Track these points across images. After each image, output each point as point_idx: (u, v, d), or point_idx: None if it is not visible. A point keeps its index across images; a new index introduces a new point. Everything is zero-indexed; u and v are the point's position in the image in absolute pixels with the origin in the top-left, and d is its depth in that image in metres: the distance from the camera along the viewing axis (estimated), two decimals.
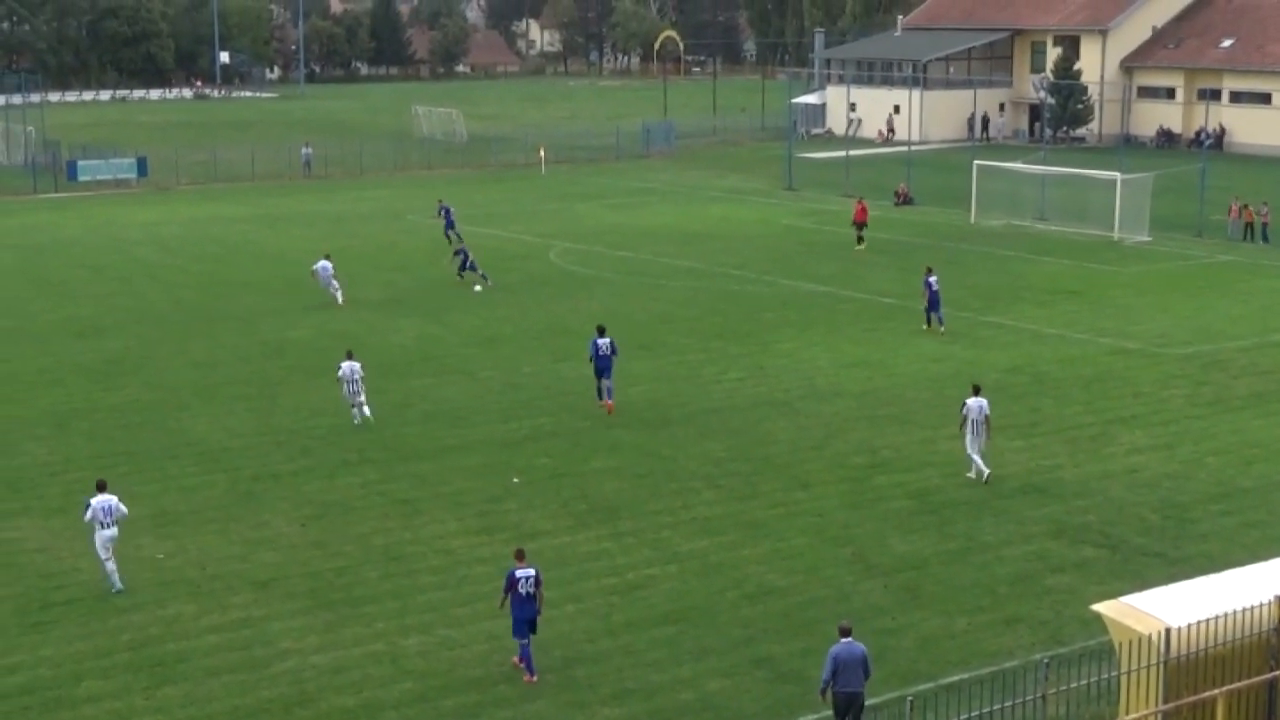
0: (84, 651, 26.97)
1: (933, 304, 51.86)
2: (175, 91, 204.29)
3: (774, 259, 67.66)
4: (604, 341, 42.26)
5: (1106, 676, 22.79)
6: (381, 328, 53.54)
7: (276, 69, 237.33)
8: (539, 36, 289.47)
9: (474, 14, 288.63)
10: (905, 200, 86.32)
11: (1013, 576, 30.15)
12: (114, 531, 29.62)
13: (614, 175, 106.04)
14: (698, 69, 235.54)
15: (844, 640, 22.81)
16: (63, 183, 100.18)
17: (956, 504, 34.41)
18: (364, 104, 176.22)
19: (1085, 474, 36.58)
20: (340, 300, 57.51)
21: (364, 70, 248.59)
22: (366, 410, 41.16)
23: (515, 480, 36.27)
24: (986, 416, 35.69)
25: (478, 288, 59.75)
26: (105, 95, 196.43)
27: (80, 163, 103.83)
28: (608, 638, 27.41)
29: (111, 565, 29.66)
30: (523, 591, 25.68)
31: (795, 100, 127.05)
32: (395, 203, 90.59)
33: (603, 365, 42.26)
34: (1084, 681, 22.79)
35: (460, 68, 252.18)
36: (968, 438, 35.89)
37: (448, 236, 71.32)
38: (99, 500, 29.74)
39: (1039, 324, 53.43)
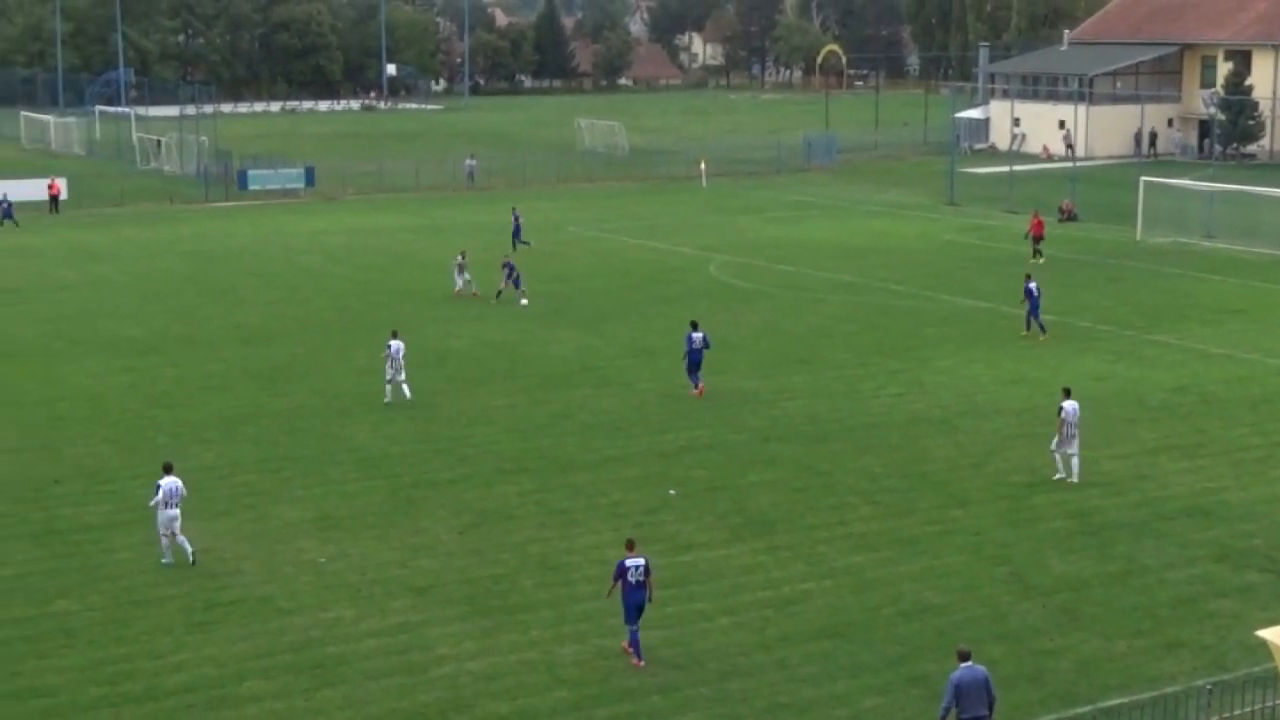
0: (246, 652, 27.48)
1: (1033, 309, 52.63)
2: (343, 103, 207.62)
3: (934, 274, 67.15)
4: (698, 336, 45.33)
5: (1271, 704, 22.33)
6: (541, 338, 53.94)
7: (442, 81, 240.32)
8: (701, 49, 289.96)
9: (637, 27, 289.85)
10: (1069, 217, 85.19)
11: (1175, 600, 29.63)
12: (176, 513, 31.37)
13: (774, 188, 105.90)
14: (860, 82, 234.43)
15: (964, 665, 22.45)
16: (233, 192, 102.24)
17: (1118, 525, 33.90)
18: (527, 116, 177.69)
19: (1251, 497, 35.85)
20: (469, 290, 61.95)
21: (528, 83, 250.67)
22: (406, 390, 44.29)
23: (671, 492, 36.34)
24: (1078, 419, 36.65)
25: (524, 301, 59.82)
26: (275, 107, 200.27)
27: (250, 172, 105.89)
28: (762, 651, 27.36)
29: (166, 542, 31.50)
30: (632, 580, 26.54)
31: (958, 115, 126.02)
32: (556, 214, 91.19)
33: (695, 359, 45.39)
34: (1248, 709, 22.36)
35: (623, 80, 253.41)
36: (1058, 440, 36.62)
37: (514, 244, 73.58)
38: (167, 482, 31.42)
39: (1205, 343, 52.47)
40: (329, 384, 47.46)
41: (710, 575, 30.96)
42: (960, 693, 22.20)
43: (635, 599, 26.60)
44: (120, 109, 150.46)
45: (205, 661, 27.07)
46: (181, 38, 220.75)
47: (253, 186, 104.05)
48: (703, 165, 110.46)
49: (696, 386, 45.48)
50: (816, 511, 34.97)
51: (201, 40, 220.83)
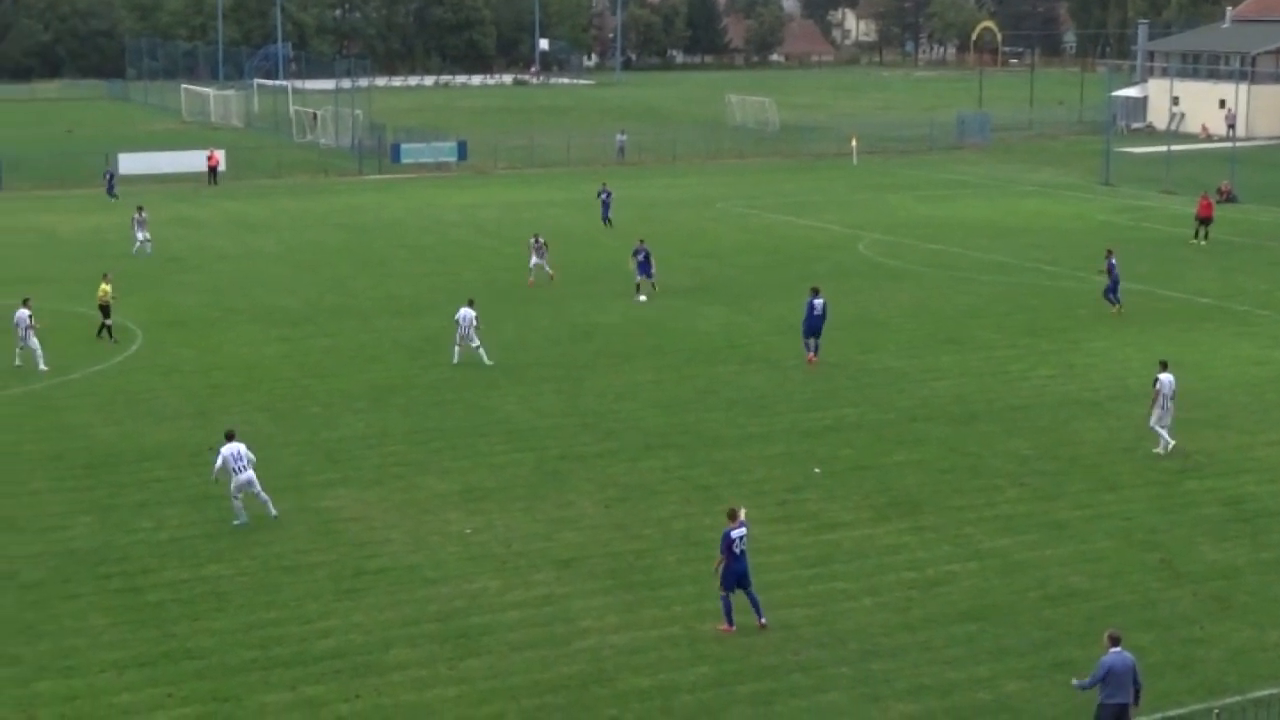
0: (393, 620, 27.84)
1: (1112, 285, 53.09)
2: (496, 78, 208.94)
3: (1088, 255, 66.11)
4: (819, 302, 45.87)
5: None
6: (688, 313, 53.96)
7: (594, 56, 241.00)
8: (854, 26, 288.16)
9: (790, 3, 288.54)
10: (1228, 198, 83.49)
11: None
12: (250, 474, 32.03)
13: (926, 167, 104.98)
14: (1015, 60, 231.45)
15: (1115, 650, 22.19)
16: (387, 165, 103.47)
17: (1273, 513, 33.23)
18: (678, 92, 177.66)
19: None
20: (544, 275, 59.73)
21: (679, 58, 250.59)
22: (484, 354, 45.97)
23: (816, 470, 36.23)
24: (1174, 392, 36.92)
25: (641, 298, 56.29)
26: (429, 81, 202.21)
27: (404, 146, 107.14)
28: (905, 632, 27.21)
29: (239, 505, 32.14)
30: (737, 550, 26.98)
31: (1115, 93, 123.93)
32: (706, 190, 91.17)
33: (815, 325, 46.08)
34: None
35: (775, 57, 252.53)
36: (1156, 413, 36.88)
37: (606, 221, 73.73)
38: (228, 448, 32.14)
39: None
40: (478, 356, 47.82)
41: (854, 554, 30.83)
42: (1109, 677, 21.98)
43: (740, 568, 27.06)
44: (278, 82, 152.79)
45: (352, 628, 27.47)
46: (338, 12, 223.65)
47: (405, 160, 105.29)
48: (854, 142, 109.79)
49: (813, 353, 46.20)
50: (963, 493, 34.67)
51: (358, 14, 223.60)
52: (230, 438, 32.61)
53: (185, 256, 67.56)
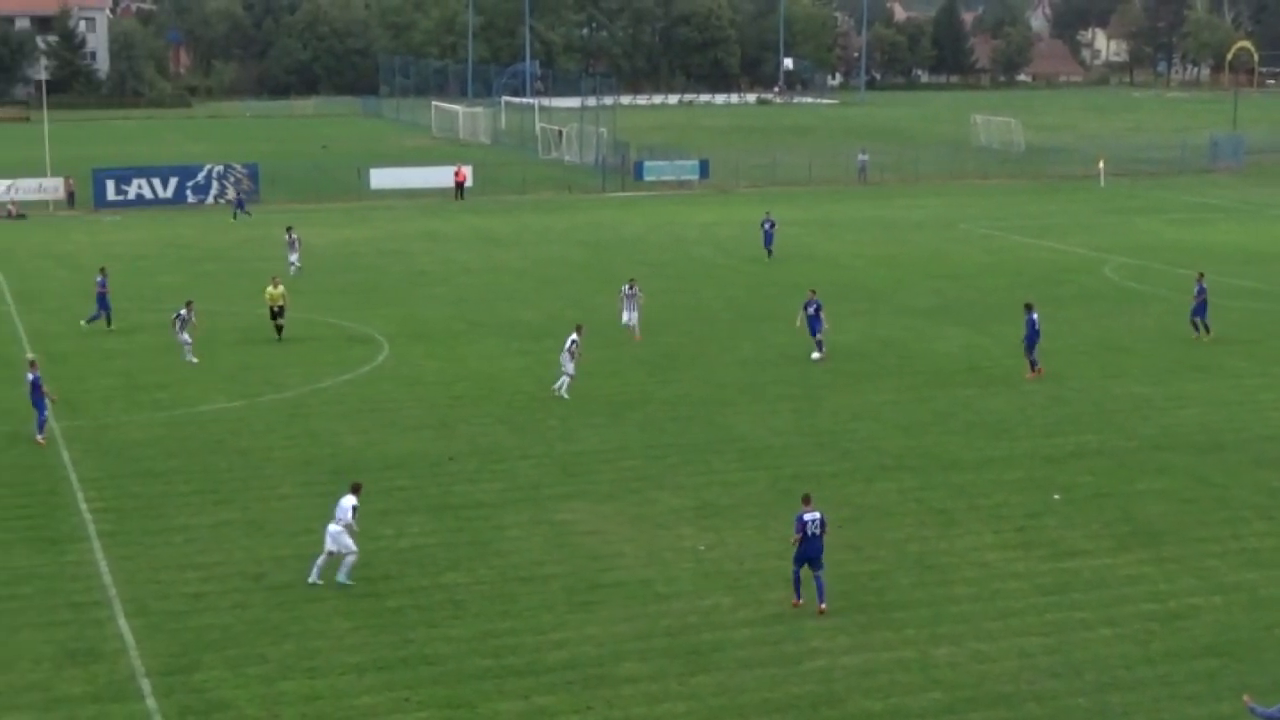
0: (625, 633, 28.06)
1: (1199, 309, 52.43)
2: (739, 96, 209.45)
3: None
4: (1036, 317, 46.74)
5: None
6: (928, 334, 53.48)
7: (838, 75, 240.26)
8: (1105, 46, 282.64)
9: (1039, 22, 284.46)
10: None
11: None
12: (337, 529, 30.21)
13: (1176, 189, 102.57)
14: (1272, 81, 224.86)
15: None
16: (629, 182, 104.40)
17: None
18: (922, 112, 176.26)
19: None
20: (631, 327, 53.41)
21: (924, 78, 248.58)
22: (569, 383, 44.78)
23: (1056, 497, 35.63)
24: None
25: (816, 355, 49.96)
26: (673, 99, 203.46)
27: (646, 163, 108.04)
28: (1145, 665, 26.61)
29: (324, 560, 30.34)
30: (810, 533, 28.69)
31: None
32: (948, 211, 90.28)
33: (1036, 338, 46.84)
34: None
35: (1021, 77, 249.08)
36: None
37: (768, 250, 71.16)
38: (343, 500, 30.50)
39: None
40: (714, 373, 48.02)
41: (1093, 584, 30.25)
42: None
43: (810, 551, 28.76)
44: (525, 100, 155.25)
45: (585, 640, 27.76)
46: (585, 31, 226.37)
47: (648, 177, 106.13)
48: (1101, 164, 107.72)
49: (1034, 369, 46.84)
50: (1207, 524, 33.79)
51: (604, 33, 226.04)
52: (354, 490, 30.93)
53: (431, 270, 68.95)
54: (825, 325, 49.94)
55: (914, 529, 33.61)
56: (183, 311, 49.28)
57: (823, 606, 28.72)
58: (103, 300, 54.49)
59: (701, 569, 31.07)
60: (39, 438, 40.19)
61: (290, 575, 30.87)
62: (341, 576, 30.28)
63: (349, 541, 30.27)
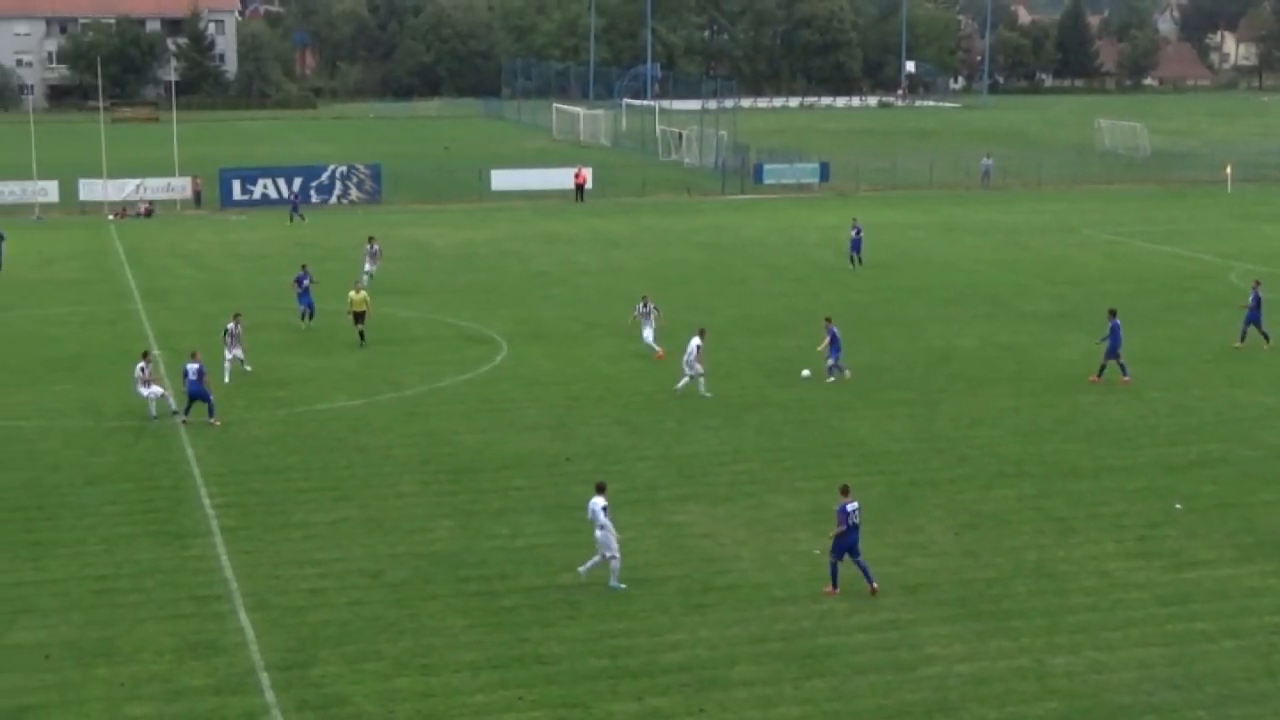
0: (739, 636, 28.04)
1: (1252, 316, 51.17)
2: (860, 99, 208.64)
3: None
4: (1119, 323, 46.53)
5: None
6: (1049, 341, 52.96)
7: (961, 79, 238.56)
8: (1233, 49, 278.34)
9: (1166, 25, 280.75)
10: None
11: None
12: (601, 534, 30.10)
13: None
14: None
15: None
16: (749, 185, 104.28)
17: None
18: (1046, 116, 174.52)
19: None
20: (651, 348, 51.08)
21: (1048, 81, 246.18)
22: (689, 384, 44.92)
23: (1178, 506, 35.15)
24: None
25: (806, 372, 47.89)
26: (794, 102, 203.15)
27: (766, 166, 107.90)
28: (1267, 679, 26.19)
29: (595, 560, 30.35)
30: (854, 521, 29.53)
31: None
32: (1071, 216, 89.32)
33: (1118, 343, 46.45)
34: None
35: (1148, 80, 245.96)
36: None
37: (851, 258, 69.30)
38: (592, 501, 30.36)
39: None
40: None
41: (1215, 595, 29.82)
42: None
43: (853, 538, 29.59)
44: (645, 102, 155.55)
45: (699, 643, 27.77)
46: (707, 33, 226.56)
47: (768, 180, 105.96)
48: (1228, 169, 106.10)
49: (1125, 375, 46.77)
50: None
51: (726, 36, 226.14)
52: (599, 490, 30.73)
53: (550, 271, 69.28)
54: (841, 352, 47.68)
55: (1032, 537, 33.30)
56: (230, 325, 47.92)
57: (875, 586, 29.69)
58: (304, 296, 54.79)
59: (817, 573, 30.96)
60: (214, 420, 41.54)
61: (407, 572, 31.16)
62: (612, 581, 30.24)
63: (612, 543, 30.18)
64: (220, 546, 32.79)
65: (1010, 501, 35.70)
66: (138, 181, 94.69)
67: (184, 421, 41.78)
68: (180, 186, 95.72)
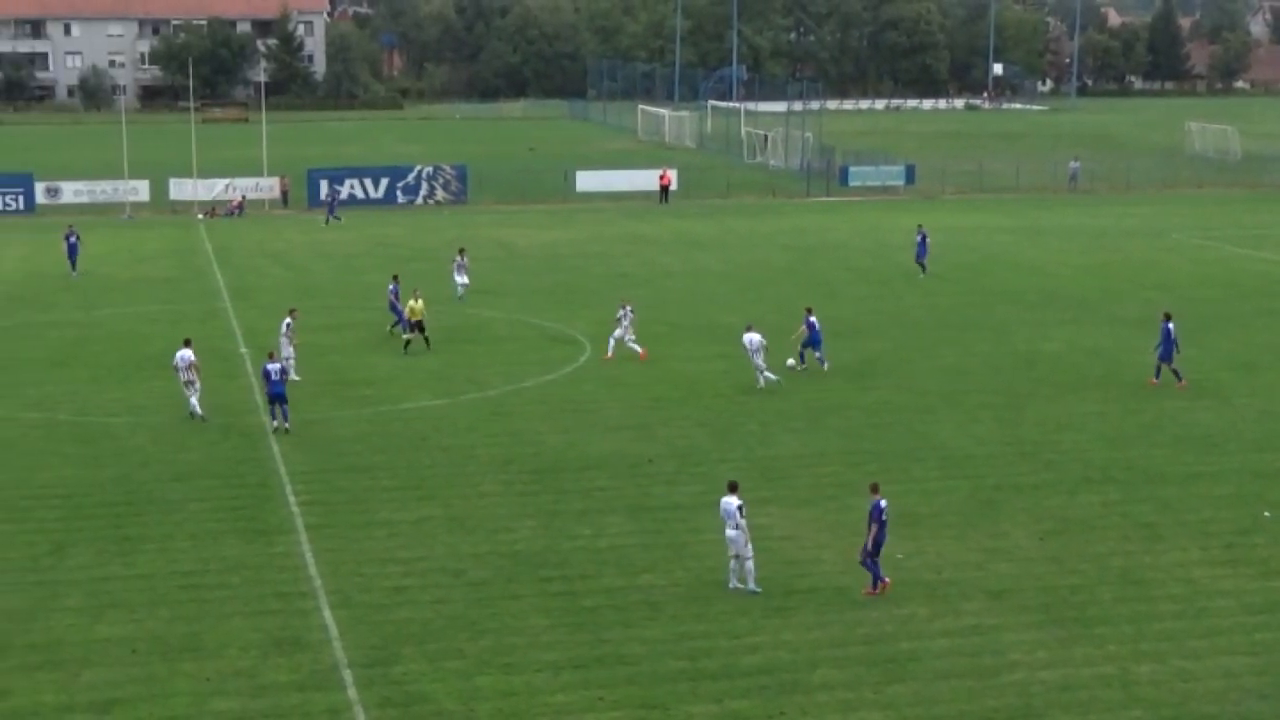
0: (820, 640, 27.96)
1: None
2: (947, 102, 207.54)
3: None
4: (1173, 326, 46.32)
5: None
6: (1136, 345, 52.42)
7: (1049, 81, 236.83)
8: None
9: (1259, 28, 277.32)
10: None
11: None
12: (735, 533, 29.88)
13: None
14: None
15: None
16: (834, 187, 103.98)
17: None
18: (1135, 119, 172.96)
19: None
20: (627, 347, 50.89)
21: (1138, 84, 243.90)
22: (769, 376, 46.02)
23: (1266, 514, 34.73)
24: None
25: (790, 361, 48.08)
26: (880, 104, 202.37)
27: (852, 168, 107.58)
28: None
29: (735, 564, 30.15)
30: (885, 517, 29.67)
31: None
32: (1160, 220, 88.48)
33: (1173, 348, 46.19)
34: None
35: (1239, 83, 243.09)
36: None
37: (920, 264, 68.15)
38: (724, 501, 30.08)
39: None
40: (915, 381, 47.63)
41: None
42: None
43: (882, 536, 29.77)
44: (730, 104, 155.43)
45: (780, 645, 27.72)
46: (793, 35, 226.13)
47: (853, 183, 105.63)
48: None
49: (1156, 377, 46.66)
50: None
51: (812, 38, 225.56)
52: (732, 490, 30.16)
53: (634, 272, 69.35)
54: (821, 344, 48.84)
55: (1118, 543, 33.00)
56: (288, 320, 47.78)
57: (882, 585, 29.92)
58: (394, 306, 54.03)
59: (898, 577, 30.83)
60: (286, 425, 41.28)
61: (489, 572, 31.30)
62: (749, 584, 30.12)
63: (743, 544, 30.00)
64: (305, 544, 33.06)
65: (1096, 507, 35.40)
66: (227, 181, 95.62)
67: (278, 429, 41.47)
68: (268, 186, 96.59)
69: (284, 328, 47.48)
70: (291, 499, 36.06)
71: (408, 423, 42.86)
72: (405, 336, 51.68)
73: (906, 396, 45.75)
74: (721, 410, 44.20)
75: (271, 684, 26.17)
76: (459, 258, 62.81)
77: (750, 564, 30.11)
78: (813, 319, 48.58)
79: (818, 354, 48.85)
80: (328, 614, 29.16)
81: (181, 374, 42.89)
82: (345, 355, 50.39)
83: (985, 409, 44.19)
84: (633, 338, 50.74)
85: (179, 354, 43.07)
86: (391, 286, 54.79)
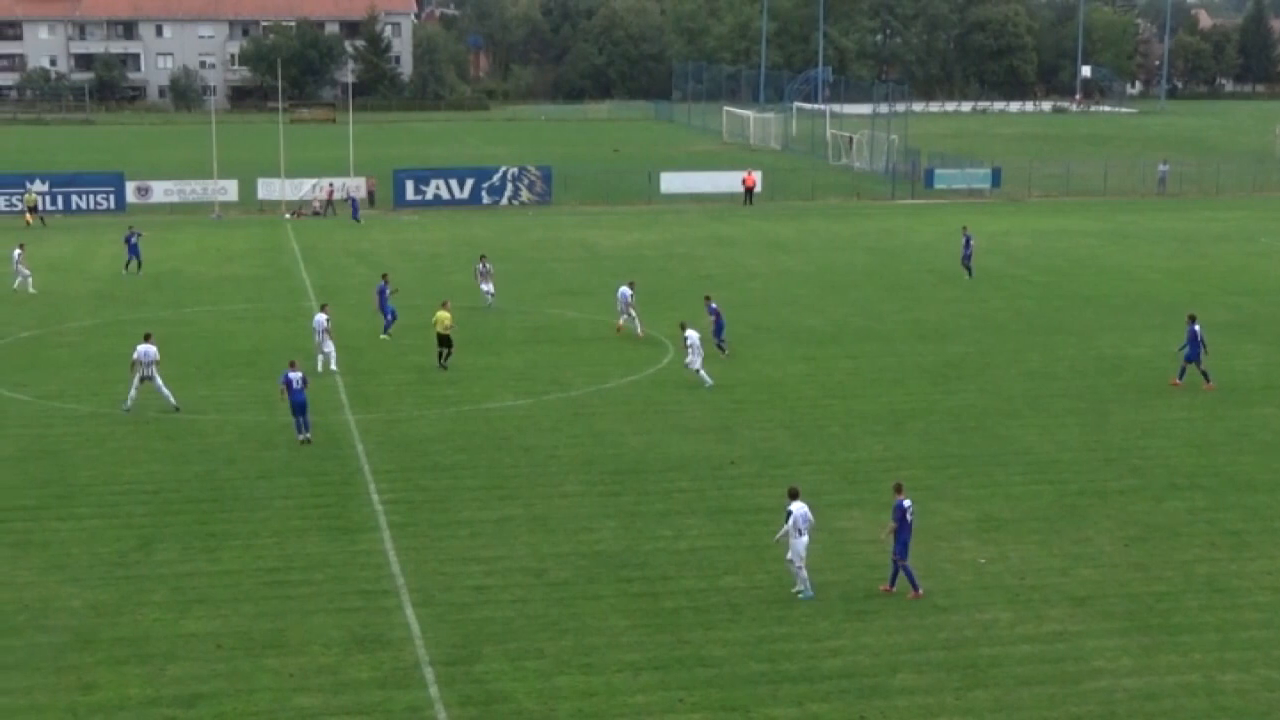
0: (901, 644, 27.86)
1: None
2: (1035, 104, 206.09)
3: None
4: (1199, 328, 46.27)
5: None
6: (1224, 351, 51.84)
7: (1138, 84, 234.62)
8: None
9: None
10: None
11: None
12: (806, 540, 29.76)
13: None
14: None
15: None
16: (919, 189, 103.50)
17: None
18: (1225, 122, 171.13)
19: None
20: (632, 328, 53.61)
21: (1228, 87, 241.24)
22: (702, 375, 46.33)
23: None
24: None
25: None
26: (966, 106, 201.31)
27: (937, 171, 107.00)
28: None
29: (804, 573, 29.93)
30: (909, 518, 29.77)
31: None
32: (1250, 224, 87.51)
33: (1199, 349, 46.27)
34: None
35: None
36: None
37: (966, 266, 67.49)
38: (798, 508, 29.79)
39: None
40: (1000, 384, 47.35)
41: None
42: None
43: (904, 537, 29.77)
44: (816, 106, 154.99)
45: (861, 649, 27.64)
46: (879, 37, 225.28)
47: (938, 185, 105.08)
48: None
49: (1179, 378, 46.83)
50: None
51: (898, 39, 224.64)
52: (794, 496, 30.24)
53: (717, 274, 69.28)
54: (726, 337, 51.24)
55: (1204, 550, 32.68)
56: (320, 317, 47.93)
57: (894, 589, 30.08)
58: (383, 307, 54.16)
59: (981, 582, 30.68)
60: (308, 435, 40.74)
61: (570, 572, 31.38)
62: (807, 588, 30.10)
63: (800, 549, 29.85)
64: (388, 542, 33.28)
65: (1182, 514, 35.06)
66: (314, 181, 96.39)
67: (304, 440, 40.78)
68: (355, 186, 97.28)
69: (321, 323, 47.99)
70: (375, 497, 36.31)
71: (490, 422, 43.04)
72: (440, 350, 50.12)
73: (990, 400, 45.48)
74: (804, 412, 44.11)
75: (353, 681, 26.37)
76: (481, 264, 61.36)
77: (802, 572, 29.99)
78: (714, 305, 51.03)
79: (719, 340, 50.42)
80: (410, 612, 29.34)
81: (142, 369, 43.49)
82: (428, 355, 50.64)
83: (1070, 414, 43.85)
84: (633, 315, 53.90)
85: (140, 349, 43.68)
86: (380, 285, 54.94)
